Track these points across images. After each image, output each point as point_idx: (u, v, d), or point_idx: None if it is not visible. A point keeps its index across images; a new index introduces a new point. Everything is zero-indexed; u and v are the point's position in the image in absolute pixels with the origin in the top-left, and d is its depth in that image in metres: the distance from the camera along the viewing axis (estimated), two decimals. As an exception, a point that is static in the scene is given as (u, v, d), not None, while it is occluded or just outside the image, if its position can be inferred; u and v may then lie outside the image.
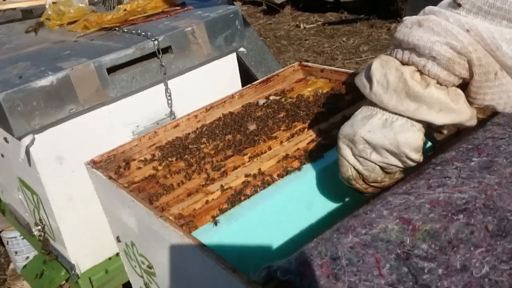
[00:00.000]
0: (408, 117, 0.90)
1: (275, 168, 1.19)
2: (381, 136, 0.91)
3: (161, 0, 1.98)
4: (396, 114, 0.90)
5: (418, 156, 0.92)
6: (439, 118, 0.88)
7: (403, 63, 0.90)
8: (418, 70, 0.88)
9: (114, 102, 1.66)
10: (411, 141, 0.90)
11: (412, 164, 0.93)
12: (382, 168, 0.95)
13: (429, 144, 1.36)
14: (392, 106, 0.89)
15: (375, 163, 0.94)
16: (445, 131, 0.97)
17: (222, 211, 1.07)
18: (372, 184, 0.98)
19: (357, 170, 0.97)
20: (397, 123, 0.90)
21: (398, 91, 0.88)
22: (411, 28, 0.88)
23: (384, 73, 0.89)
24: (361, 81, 0.94)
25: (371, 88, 0.91)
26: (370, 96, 0.92)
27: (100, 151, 1.39)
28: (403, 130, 0.90)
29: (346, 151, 0.97)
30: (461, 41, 0.84)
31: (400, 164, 0.94)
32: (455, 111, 0.89)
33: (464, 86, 0.91)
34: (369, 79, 0.92)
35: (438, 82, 0.88)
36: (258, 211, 1.06)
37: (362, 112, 0.95)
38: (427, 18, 0.87)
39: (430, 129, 0.95)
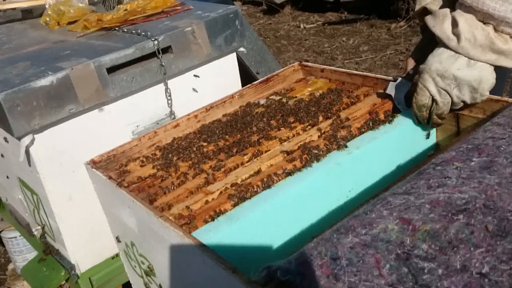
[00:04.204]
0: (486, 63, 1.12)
1: (275, 168, 1.19)
2: (468, 73, 1.12)
3: (161, 0, 1.98)
4: (475, 60, 1.11)
5: (488, 94, 1.15)
6: (506, 63, 1.11)
7: (478, 20, 1.10)
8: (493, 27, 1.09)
9: (114, 102, 1.66)
10: (490, 78, 1.12)
11: (479, 101, 1.16)
12: (452, 103, 1.17)
13: (430, 144, 1.36)
14: (477, 57, 1.10)
15: (452, 97, 1.16)
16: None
17: (222, 211, 1.07)
18: (434, 117, 1.21)
19: (435, 101, 1.18)
20: (479, 64, 1.11)
21: (484, 46, 1.09)
22: None
23: (472, 32, 1.09)
24: (445, 34, 1.13)
25: (458, 42, 1.11)
26: (457, 48, 1.12)
27: (100, 151, 1.39)
28: (485, 69, 1.11)
29: (430, 83, 1.16)
30: None
31: (470, 101, 1.15)
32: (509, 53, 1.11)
33: None
34: (456, 34, 1.11)
35: (510, 37, 1.09)
36: (258, 212, 1.06)
37: (446, 52, 1.14)
38: None
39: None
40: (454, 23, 1.11)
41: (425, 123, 1.25)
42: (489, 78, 1.12)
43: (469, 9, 1.10)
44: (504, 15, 1.05)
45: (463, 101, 1.16)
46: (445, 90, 1.15)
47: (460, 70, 1.12)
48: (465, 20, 1.09)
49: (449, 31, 1.12)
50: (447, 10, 1.15)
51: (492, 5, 1.06)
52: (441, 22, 1.14)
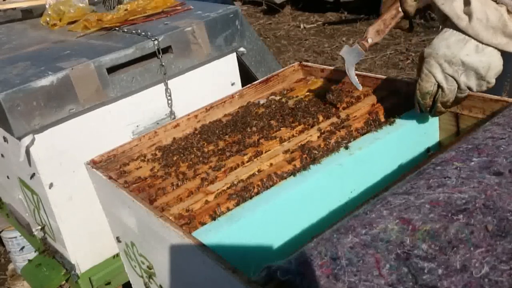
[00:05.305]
0: (495, 48, 1.05)
1: (275, 168, 1.19)
2: (476, 59, 1.05)
3: (161, 0, 1.98)
4: (484, 44, 1.05)
5: (494, 81, 1.09)
6: None
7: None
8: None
9: (114, 102, 1.66)
10: (498, 65, 1.06)
11: (484, 89, 1.10)
12: (458, 90, 1.11)
13: (431, 144, 1.36)
14: (486, 39, 1.04)
15: (459, 84, 1.10)
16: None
17: (222, 211, 1.07)
18: (439, 104, 1.15)
19: (441, 87, 1.12)
20: (488, 50, 1.05)
21: (496, 28, 1.02)
22: None
23: (485, 12, 1.02)
24: (454, 12, 1.06)
25: (470, 21, 1.04)
26: (467, 28, 1.04)
27: (100, 151, 1.39)
28: (494, 56, 1.05)
29: (436, 69, 1.10)
30: None
31: (476, 88, 1.10)
32: None
33: None
34: (467, 13, 1.04)
35: None
36: (258, 212, 1.06)
37: (454, 35, 1.07)
38: None
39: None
40: (466, 1, 1.04)
41: (427, 112, 1.20)
42: (497, 65, 1.07)
43: None
44: None
45: (469, 88, 1.11)
46: (452, 77, 1.10)
47: (469, 55, 1.06)
48: None
49: (460, 10, 1.05)
50: None
51: None
52: (451, 0, 1.06)
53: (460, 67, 1.08)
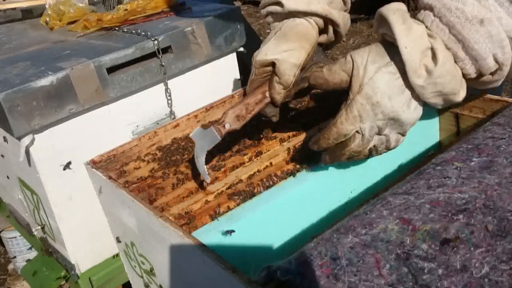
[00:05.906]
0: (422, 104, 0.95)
1: (275, 169, 1.19)
2: (409, 116, 0.93)
3: (161, 0, 1.98)
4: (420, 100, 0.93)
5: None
6: (444, 106, 0.96)
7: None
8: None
9: (114, 102, 1.66)
10: (417, 120, 0.97)
11: (400, 142, 0.99)
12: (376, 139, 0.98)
13: (433, 144, 1.36)
14: (428, 98, 0.91)
15: (380, 135, 0.97)
16: None
17: (223, 211, 1.07)
18: (345, 152, 0.98)
19: (362, 134, 0.95)
20: (418, 105, 0.94)
21: (444, 92, 0.90)
22: (471, 23, 0.83)
23: (449, 80, 0.88)
24: (415, 66, 0.86)
25: (425, 81, 0.87)
26: (416, 87, 0.88)
27: (100, 151, 1.39)
28: (419, 112, 0.95)
29: (369, 116, 0.92)
30: (506, 54, 0.85)
31: (394, 145, 0.99)
32: (459, 101, 0.95)
33: None
34: (427, 70, 0.87)
35: (464, 76, 0.90)
36: (258, 212, 1.06)
37: (397, 81, 0.90)
38: (490, 21, 0.83)
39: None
40: (433, 55, 0.87)
41: (320, 150, 1.04)
42: (417, 120, 0.96)
43: (443, 29, 0.87)
44: (482, 54, 0.85)
45: (387, 141, 0.98)
46: (378, 128, 0.95)
47: (404, 112, 0.92)
48: (447, 60, 0.87)
49: (420, 63, 0.87)
50: (423, 28, 0.88)
51: (476, 37, 0.84)
52: (416, 44, 0.86)
53: (392, 121, 0.94)
